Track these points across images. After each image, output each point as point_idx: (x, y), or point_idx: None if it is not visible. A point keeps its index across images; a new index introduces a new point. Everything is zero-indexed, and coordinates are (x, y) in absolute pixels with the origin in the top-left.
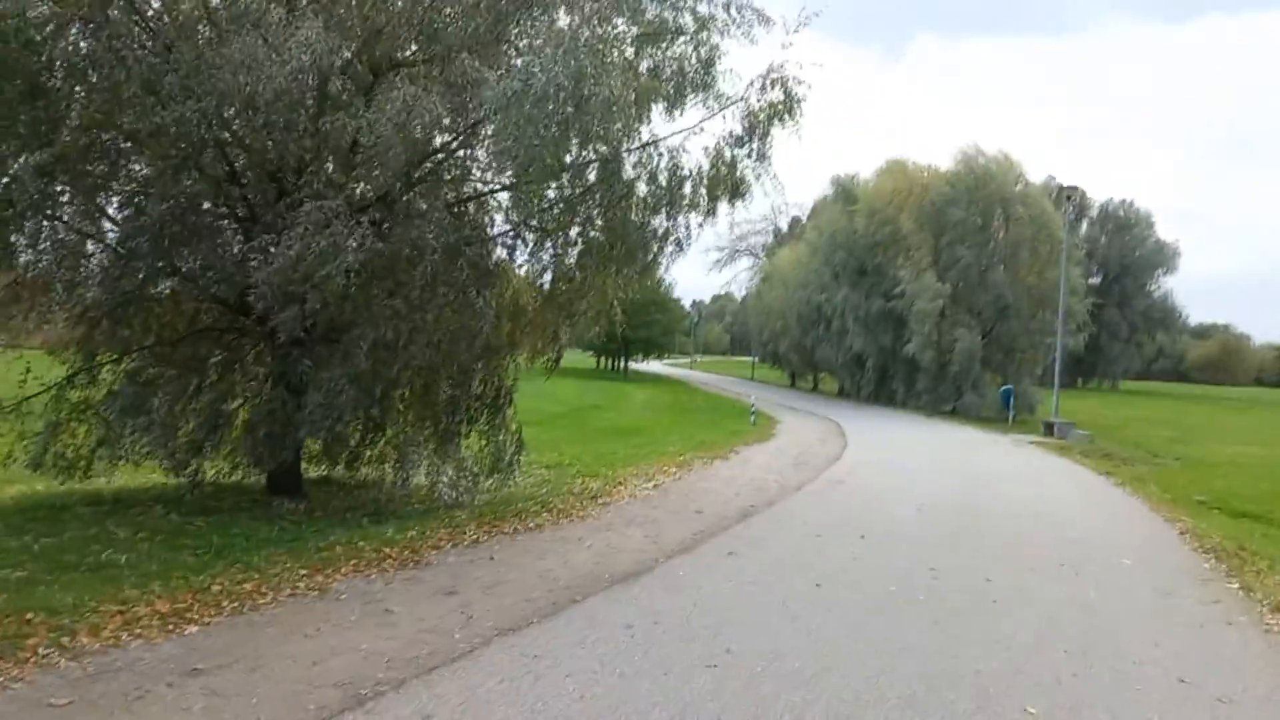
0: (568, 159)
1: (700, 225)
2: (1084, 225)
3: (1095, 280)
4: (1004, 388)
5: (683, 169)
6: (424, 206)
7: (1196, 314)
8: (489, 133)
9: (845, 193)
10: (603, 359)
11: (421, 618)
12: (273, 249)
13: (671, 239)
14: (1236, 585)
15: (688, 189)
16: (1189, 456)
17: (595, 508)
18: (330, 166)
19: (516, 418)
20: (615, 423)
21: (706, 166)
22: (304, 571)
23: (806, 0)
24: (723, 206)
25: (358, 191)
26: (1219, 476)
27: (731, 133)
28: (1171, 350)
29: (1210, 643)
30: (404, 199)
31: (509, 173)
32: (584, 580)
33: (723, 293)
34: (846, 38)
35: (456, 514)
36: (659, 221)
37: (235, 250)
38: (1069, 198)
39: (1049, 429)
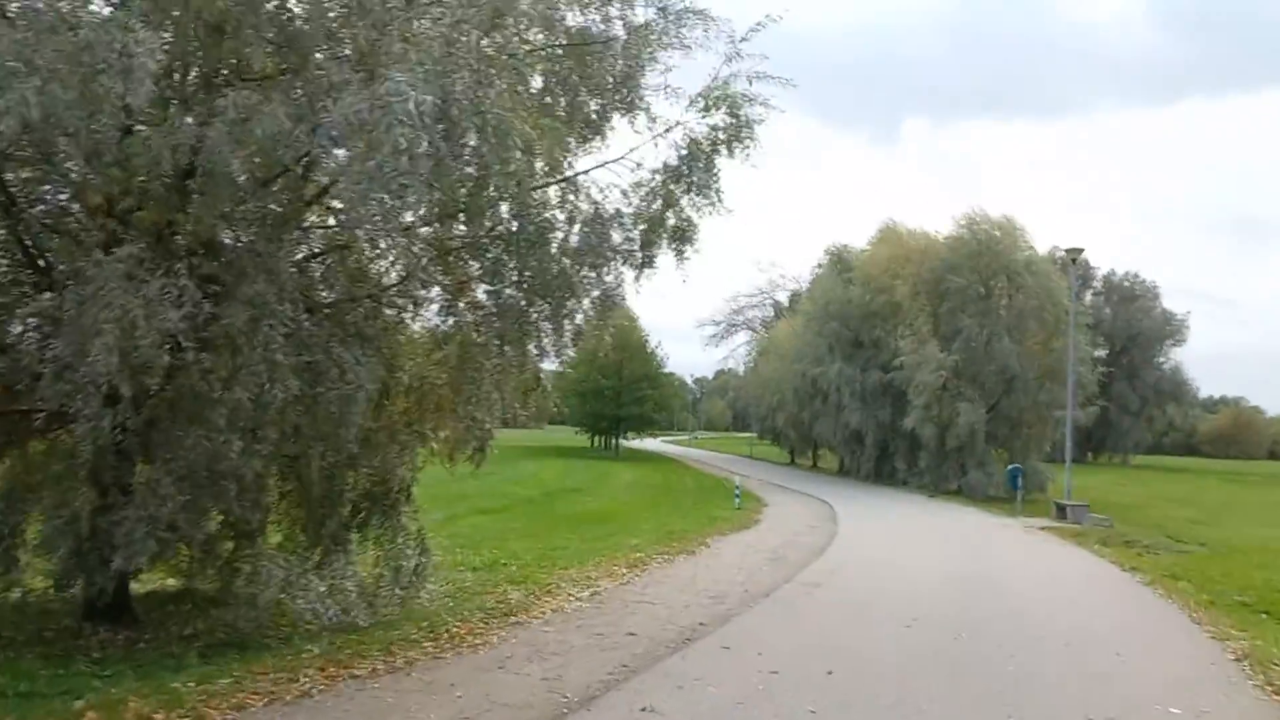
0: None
1: (637, 279)
2: (1088, 296)
3: (1102, 353)
4: (1011, 466)
5: (606, 209)
6: (261, 252)
7: (1205, 387)
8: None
9: (840, 262)
10: (597, 437)
11: None
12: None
13: (603, 297)
14: None
15: (616, 235)
16: (1216, 542)
17: (502, 629)
18: (141, 202)
19: (419, 516)
20: (587, 508)
21: (639, 204)
22: None
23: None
24: (666, 256)
25: (181, 236)
26: (1255, 566)
27: (666, 164)
28: (1182, 423)
29: None
30: (244, 244)
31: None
32: None
33: (726, 369)
34: (838, 121)
35: (308, 648)
36: (586, 274)
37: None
38: (1073, 260)
39: (1061, 512)
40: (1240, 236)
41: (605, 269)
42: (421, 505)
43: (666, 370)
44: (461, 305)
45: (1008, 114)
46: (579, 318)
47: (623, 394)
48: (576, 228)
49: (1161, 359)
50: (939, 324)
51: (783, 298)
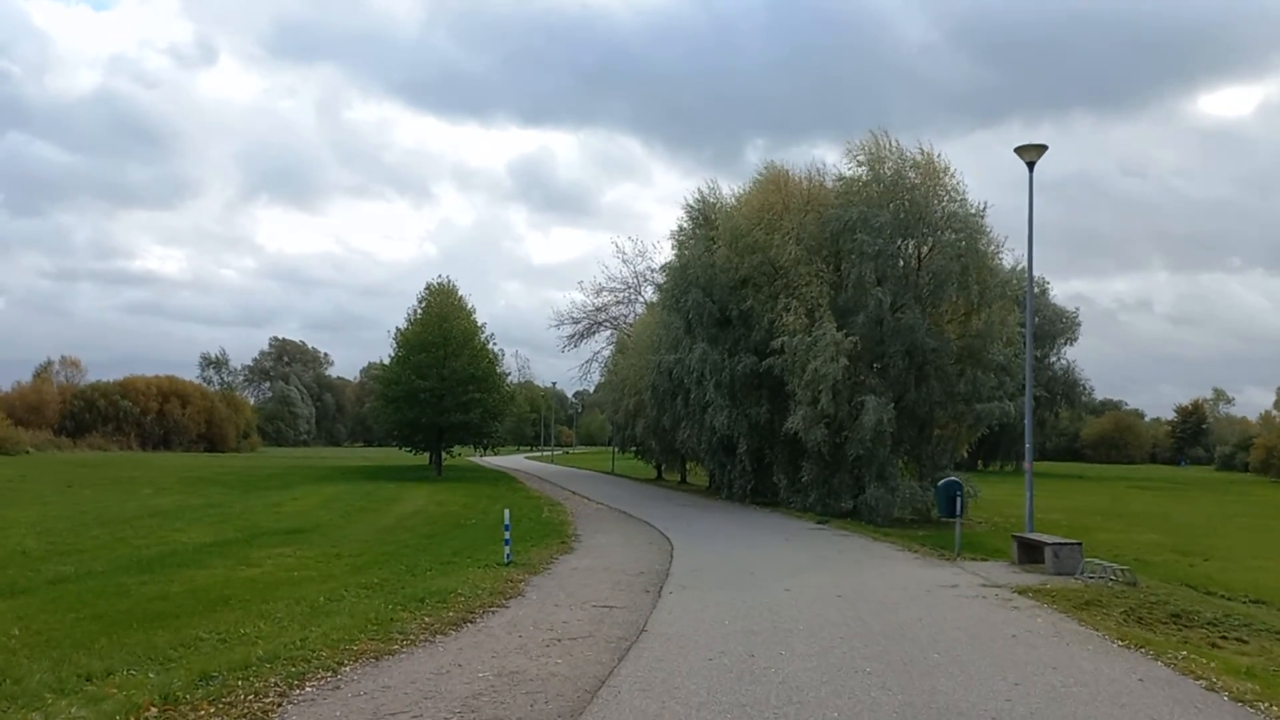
0: None
1: None
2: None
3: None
4: (945, 480)
5: None
6: None
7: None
8: None
9: (702, 219)
10: (428, 454)
11: None
12: None
13: None
14: None
15: None
16: (1260, 590)
17: None
18: None
19: None
20: (233, 576)
21: None
22: None
23: None
24: None
25: None
26: None
27: None
28: (1067, 428)
29: None
30: None
31: None
32: None
33: (599, 379)
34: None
35: None
36: None
37: None
38: (1031, 164)
39: (1029, 552)
40: (1079, 249)
41: None
42: None
43: (504, 371)
44: None
45: (846, 133)
46: None
47: (445, 398)
48: None
49: (1054, 358)
50: (836, 294)
51: (650, 294)
